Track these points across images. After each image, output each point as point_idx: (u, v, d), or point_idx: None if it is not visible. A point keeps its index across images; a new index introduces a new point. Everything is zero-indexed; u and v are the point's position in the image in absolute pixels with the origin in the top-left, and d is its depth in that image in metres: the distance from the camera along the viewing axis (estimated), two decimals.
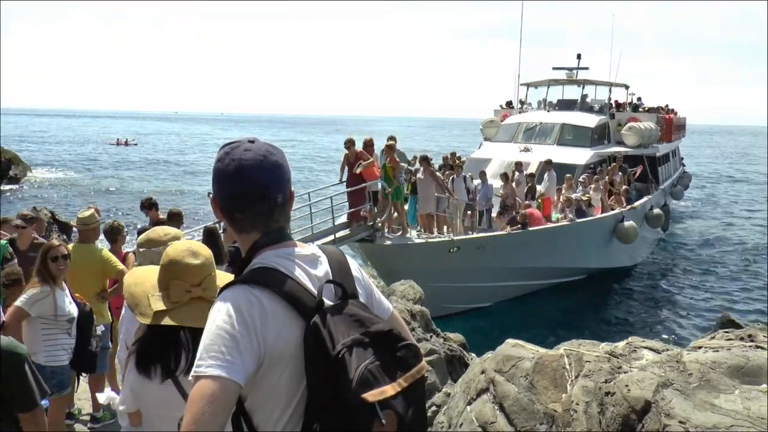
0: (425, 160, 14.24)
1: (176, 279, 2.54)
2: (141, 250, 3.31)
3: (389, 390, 1.57)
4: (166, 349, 2.57)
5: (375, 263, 14.22)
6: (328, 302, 1.72)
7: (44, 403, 3.16)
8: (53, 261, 4.95)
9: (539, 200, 16.64)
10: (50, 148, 76.28)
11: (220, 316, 1.61)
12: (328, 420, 1.59)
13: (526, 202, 16.01)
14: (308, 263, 1.79)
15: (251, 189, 1.76)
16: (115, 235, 6.90)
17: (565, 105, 23.38)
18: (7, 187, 39.21)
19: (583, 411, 3.87)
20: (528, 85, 25.71)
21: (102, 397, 2.78)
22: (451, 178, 15.83)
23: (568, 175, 17.47)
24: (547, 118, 21.52)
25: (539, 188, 16.79)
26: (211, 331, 1.60)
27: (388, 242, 13.95)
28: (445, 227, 14.91)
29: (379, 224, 13.98)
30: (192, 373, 1.56)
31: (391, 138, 13.93)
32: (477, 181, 16.05)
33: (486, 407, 4.26)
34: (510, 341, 4.87)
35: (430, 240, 14.21)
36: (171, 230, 3.49)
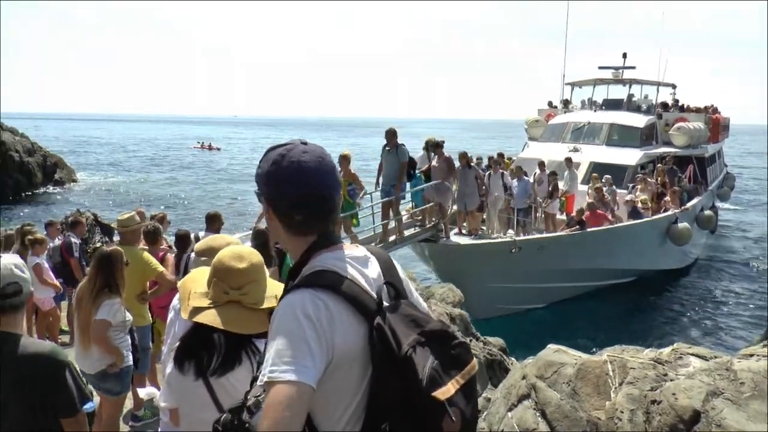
0: (438, 146, 13.78)
1: (218, 279, 2.56)
2: (203, 258, 3.34)
3: (451, 388, 1.61)
4: (200, 348, 2.61)
5: (437, 263, 14.29)
6: (384, 303, 1.73)
7: (90, 406, 3.19)
8: (122, 269, 5.14)
9: (562, 198, 16.46)
10: (99, 152, 77.88)
11: (288, 321, 1.62)
12: (397, 419, 1.60)
13: (548, 199, 15.86)
14: (361, 264, 1.79)
15: (314, 190, 1.77)
16: (154, 237, 6.98)
17: (612, 104, 22.93)
18: (53, 189, 40.22)
19: (627, 419, 3.76)
20: (573, 84, 25.35)
21: (143, 393, 2.82)
22: (488, 173, 15.68)
23: (607, 176, 17.25)
24: (595, 117, 21.21)
25: (561, 186, 16.55)
26: (280, 335, 1.60)
27: (452, 242, 13.95)
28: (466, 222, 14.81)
29: (443, 225, 13.95)
30: (265, 378, 1.56)
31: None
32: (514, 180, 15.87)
33: (527, 413, 4.18)
34: (552, 346, 4.77)
35: (493, 240, 14.17)
36: (232, 238, 3.53)
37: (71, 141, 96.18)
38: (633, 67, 23.68)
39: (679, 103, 25.10)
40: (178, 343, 2.71)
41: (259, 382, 1.60)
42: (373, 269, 1.81)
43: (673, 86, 25.64)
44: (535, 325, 14.63)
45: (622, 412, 3.82)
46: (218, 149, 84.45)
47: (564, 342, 5.17)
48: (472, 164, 14.61)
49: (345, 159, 11.97)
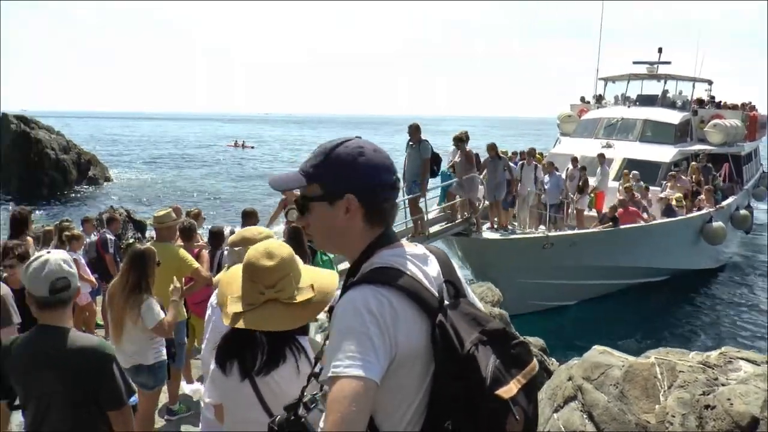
0: (460, 140, 13.55)
1: (251, 280, 2.52)
2: (236, 249, 3.34)
3: (513, 387, 1.61)
4: (242, 348, 2.58)
5: (469, 258, 14.21)
6: (445, 301, 1.72)
7: (134, 400, 3.23)
8: (154, 268, 5.21)
9: (592, 194, 16.24)
10: (132, 149, 78.90)
11: (351, 317, 1.59)
12: (459, 417, 1.59)
13: (578, 194, 15.65)
14: (422, 262, 1.76)
15: (391, 182, 1.79)
16: (189, 233, 7.01)
17: (646, 100, 22.52)
18: (87, 186, 40.84)
19: (679, 424, 3.67)
20: (606, 79, 24.95)
21: (188, 388, 2.83)
22: (520, 164, 15.51)
23: (635, 171, 17.05)
24: (628, 113, 20.88)
25: (592, 182, 16.33)
26: (343, 331, 1.58)
27: (484, 237, 13.87)
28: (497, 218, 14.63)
29: (475, 219, 13.87)
30: (329, 374, 1.54)
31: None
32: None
33: (574, 415, 4.11)
34: (597, 348, 4.70)
35: (525, 235, 14.07)
36: (264, 230, 3.53)
37: (102, 139, 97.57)
38: (668, 62, 23.28)
39: (716, 100, 24.62)
40: (218, 344, 2.69)
41: (321, 378, 1.61)
42: (433, 267, 1.79)
43: (710, 82, 25.15)
44: (569, 324, 14.51)
45: (673, 416, 3.73)
46: (252, 147, 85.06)
47: (600, 342, 5.08)
48: (501, 156, 14.41)
49: None
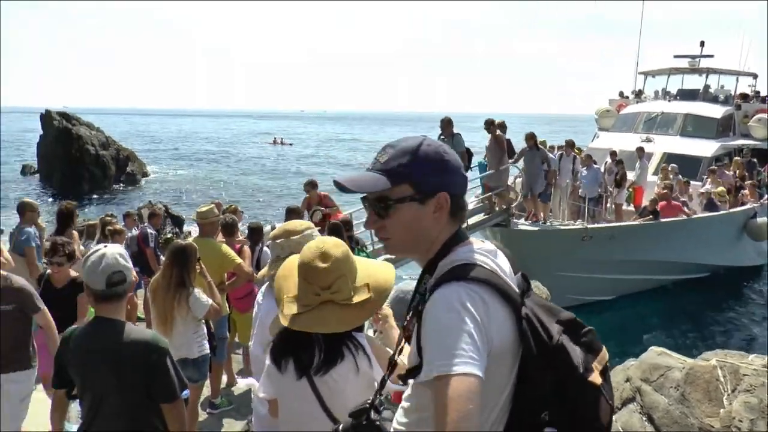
0: (491, 124, 13.28)
1: (306, 281, 2.47)
2: (278, 241, 3.32)
3: (597, 374, 1.63)
4: (298, 346, 2.55)
5: (507, 248, 13.98)
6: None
7: (186, 393, 3.25)
8: (195, 263, 5.30)
9: (630, 189, 15.93)
10: (176, 147, 79.97)
11: (448, 314, 1.55)
12: (555, 407, 1.59)
13: (617, 189, 15.34)
14: (494, 256, 1.75)
15: (466, 180, 1.82)
16: (231, 229, 7.04)
17: (687, 95, 22.01)
18: (126, 182, 41.52)
19: (747, 429, 3.55)
20: (646, 73, 24.51)
21: (243, 382, 2.82)
22: (559, 154, 15.22)
23: (674, 165, 16.74)
24: (669, 107, 20.48)
25: (630, 176, 16.00)
26: (442, 330, 1.54)
27: (521, 228, 13.70)
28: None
29: (514, 210, 13.73)
30: (434, 373, 1.50)
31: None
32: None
33: (633, 417, 4.02)
34: (655, 349, 4.60)
35: (563, 227, 13.86)
36: (306, 222, 3.53)
37: (139, 135, 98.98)
38: (711, 56, 22.79)
39: (761, 95, 24.00)
40: (272, 341, 2.67)
41: (423, 378, 1.55)
42: (504, 261, 1.77)
43: (755, 76, 24.44)
44: (608, 320, 14.23)
45: (740, 420, 3.61)
46: (290, 144, 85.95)
47: (643, 340, 4.97)
48: (540, 146, 14.06)
49: (310, 185, 11.64)
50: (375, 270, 2.57)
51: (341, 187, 1.75)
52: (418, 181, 1.71)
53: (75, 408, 3.54)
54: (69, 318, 5.27)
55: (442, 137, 12.28)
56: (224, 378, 6.99)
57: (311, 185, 11.21)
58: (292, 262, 2.66)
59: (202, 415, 6.28)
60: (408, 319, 1.80)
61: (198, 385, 5.45)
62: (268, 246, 7.44)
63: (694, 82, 23.24)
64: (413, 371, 1.68)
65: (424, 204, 1.72)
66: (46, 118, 40.82)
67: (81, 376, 3.16)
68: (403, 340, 1.88)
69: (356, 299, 2.43)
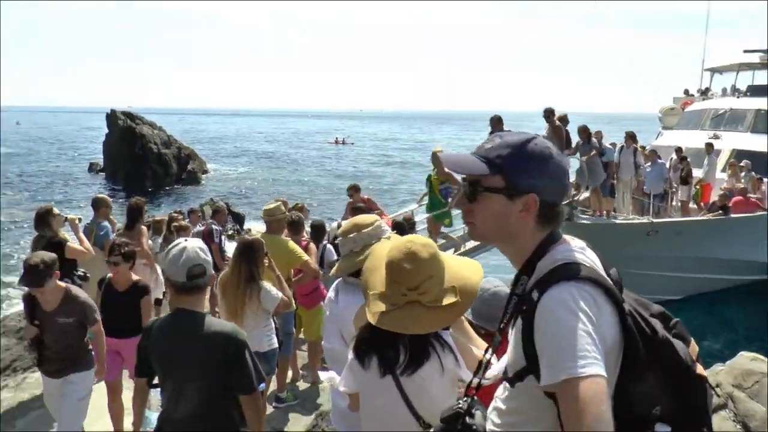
0: (551, 113, 12.92)
1: (393, 280, 2.45)
2: (350, 236, 3.34)
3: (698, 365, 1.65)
4: (383, 344, 2.51)
5: None
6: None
7: (262, 386, 3.32)
8: (263, 258, 5.35)
9: (697, 186, 15.44)
10: (224, 146, 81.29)
11: (566, 316, 1.55)
12: (667, 401, 1.61)
13: (683, 186, 14.84)
14: (587, 253, 1.75)
15: (568, 184, 1.82)
16: (297, 226, 7.13)
17: (758, 90, 20.87)
18: (187, 180, 42.38)
19: None
20: (713, 70, 23.65)
21: (324, 376, 2.83)
22: (619, 147, 14.69)
23: (746, 161, 15.99)
24: (738, 104, 19.69)
25: (697, 173, 15.50)
26: (562, 331, 1.54)
27: (585, 222, 13.32)
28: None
29: (577, 203, 13.41)
30: (561, 376, 1.50)
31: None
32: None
33: (726, 424, 3.89)
34: (746, 354, 4.45)
35: (628, 221, 13.44)
36: (375, 217, 3.53)
37: (199, 135, 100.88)
38: None
39: None
40: (356, 335, 2.67)
41: (546, 381, 1.54)
42: (594, 257, 1.76)
43: None
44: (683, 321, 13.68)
45: None
46: (352, 143, 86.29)
47: (716, 344, 4.83)
48: (592, 138, 13.68)
49: (437, 157, 11.50)
50: (463, 271, 2.54)
51: (441, 163, 1.85)
52: (511, 177, 1.71)
53: (156, 396, 3.66)
54: (131, 321, 5.40)
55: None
56: (289, 373, 7.12)
57: (354, 189, 11.23)
58: (379, 255, 2.65)
59: (269, 409, 6.38)
60: (505, 320, 1.78)
61: (266, 379, 5.54)
62: (332, 243, 7.54)
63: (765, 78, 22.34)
64: (521, 373, 1.68)
65: (512, 200, 1.71)
66: (112, 117, 42.03)
67: (162, 366, 3.26)
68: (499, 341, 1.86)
69: (444, 302, 2.41)
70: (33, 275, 4.59)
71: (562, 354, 1.51)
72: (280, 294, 5.23)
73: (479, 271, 2.58)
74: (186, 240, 3.31)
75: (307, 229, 8.07)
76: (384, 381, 2.51)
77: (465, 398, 1.86)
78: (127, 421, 5.41)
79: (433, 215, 11.59)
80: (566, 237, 1.78)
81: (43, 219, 6.58)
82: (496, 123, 12.19)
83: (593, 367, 1.48)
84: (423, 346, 2.50)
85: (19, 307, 11.89)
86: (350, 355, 2.64)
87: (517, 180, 1.71)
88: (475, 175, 1.75)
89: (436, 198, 11.58)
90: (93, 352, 5.18)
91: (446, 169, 11.42)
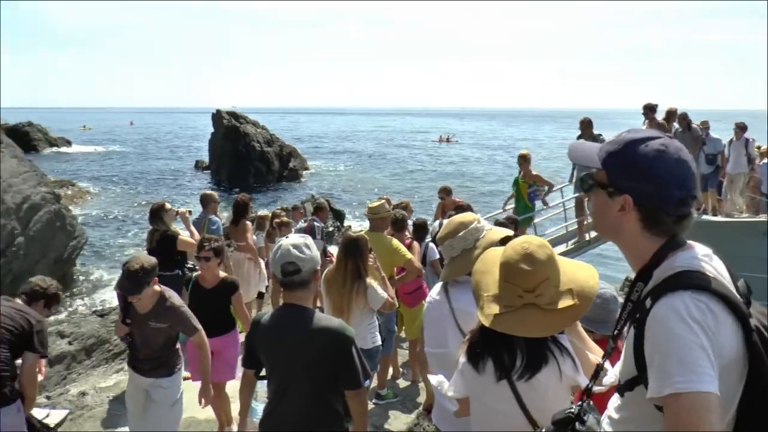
0: (650, 110, 12.20)
1: (508, 282, 2.40)
2: (446, 243, 3.30)
3: None
4: (498, 347, 2.45)
5: None
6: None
7: (368, 382, 3.31)
8: (367, 254, 5.29)
9: None
10: (325, 144, 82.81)
11: (678, 327, 1.48)
12: None
13: None
14: (713, 262, 1.64)
15: (691, 192, 1.66)
16: (401, 225, 7.12)
17: None
18: (289, 177, 43.43)
19: None
20: None
21: (434, 380, 2.78)
22: (729, 140, 13.41)
23: None
24: None
25: None
26: (672, 343, 1.47)
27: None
28: None
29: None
30: (666, 390, 1.45)
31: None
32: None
33: None
34: None
35: (741, 219, 12.61)
36: (477, 215, 3.49)
37: (300, 133, 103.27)
38: None
39: None
40: (469, 338, 2.61)
41: (653, 394, 1.48)
42: (721, 266, 1.66)
43: None
44: None
45: None
46: (456, 141, 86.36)
47: None
48: (692, 126, 12.75)
49: (524, 159, 11.33)
50: (578, 273, 2.48)
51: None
52: (612, 174, 1.69)
53: (262, 388, 3.70)
54: (220, 319, 5.48)
55: (581, 139, 11.35)
56: (390, 370, 7.12)
57: (446, 192, 11.09)
58: (490, 257, 2.61)
59: (369, 405, 6.40)
60: (619, 327, 1.74)
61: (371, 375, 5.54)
62: (434, 242, 7.48)
63: None
64: (631, 383, 1.63)
65: (612, 198, 1.69)
66: (217, 117, 43.54)
67: (269, 359, 3.29)
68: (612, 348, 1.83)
69: (561, 305, 2.35)
70: (131, 282, 4.47)
71: (670, 367, 1.45)
72: (385, 294, 5.19)
73: (595, 274, 2.51)
74: (287, 237, 3.33)
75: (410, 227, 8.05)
76: (499, 386, 2.45)
77: (578, 403, 1.82)
78: (234, 409, 5.52)
79: (519, 219, 11.38)
80: (692, 243, 1.69)
81: (157, 214, 6.91)
82: (586, 126, 11.68)
83: (704, 383, 1.41)
84: (541, 350, 2.44)
85: None
86: (461, 359, 2.58)
87: (616, 178, 1.69)
88: (590, 167, 1.76)
89: (523, 201, 11.36)
90: (185, 358, 5.18)
91: (534, 173, 11.27)
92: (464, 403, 2.68)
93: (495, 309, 2.39)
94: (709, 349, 1.44)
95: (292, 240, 3.26)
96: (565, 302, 2.35)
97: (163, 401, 4.83)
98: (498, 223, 7.25)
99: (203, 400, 4.99)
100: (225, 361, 5.60)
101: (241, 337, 5.55)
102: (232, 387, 5.36)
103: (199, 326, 4.80)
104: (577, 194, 11.79)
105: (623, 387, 1.68)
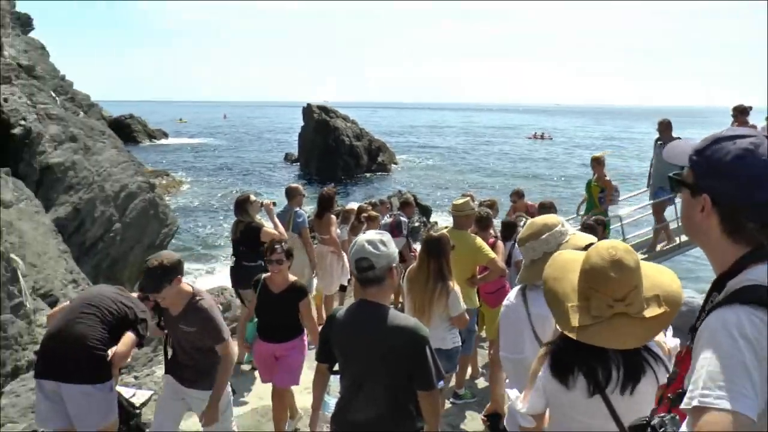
0: (742, 113, 11.42)
1: (596, 290, 2.25)
2: (527, 244, 3.22)
3: None
4: (589, 360, 2.31)
5: None
6: None
7: (441, 384, 3.24)
8: (449, 254, 5.20)
9: None
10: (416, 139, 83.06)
11: (724, 340, 1.40)
12: None
13: None
14: None
15: None
16: (485, 223, 6.99)
17: None
18: (377, 171, 43.79)
19: None
20: None
21: (512, 394, 2.65)
22: None
23: None
24: None
25: None
26: (714, 356, 1.40)
27: None
28: None
29: None
30: (694, 402, 1.39)
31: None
32: None
33: None
34: None
35: None
36: (553, 217, 3.38)
37: (391, 128, 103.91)
38: None
39: None
40: (551, 349, 2.46)
41: (682, 405, 1.43)
42: None
43: None
44: None
45: None
46: (550, 138, 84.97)
47: None
48: None
49: (597, 162, 10.84)
50: (660, 278, 2.34)
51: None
52: (697, 172, 1.62)
53: (335, 382, 3.69)
54: (287, 324, 5.29)
55: (659, 142, 10.99)
56: (469, 370, 7.02)
57: (518, 195, 10.81)
58: (561, 261, 2.48)
59: (446, 404, 6.33)
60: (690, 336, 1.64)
61: (447, 376, 5.47)
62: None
63: None
64: (683, 395, 1.53)
65: (695, 198, 1.62)
66: (307, 111, 44.34)
67: (343, 354, 3.27)
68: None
69: (649, 313, 2.21)
70: (150, 279, 4.20)
71: (704, 380, 1.39)
72: (465, 307, 5.10)
73: (676, 277, 2.37)
74: (365, 233, 3.29)
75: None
76: (590, 401, 2.30)
77: (660, 414, 1.72)
78: (307, 401, 5.50)
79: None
80: None
81: (242, 206, 7.03)
82: (665, 128, 11.03)
83: (728, 401, 1.33)
84: (638, 361, 2.29)
85: (220, 281, 12.92)
86: (542, 373, 2.44)
87: (698, 177, 1.61)
88: (679, 165, 1.69)
89: (595, 206, 10.88)
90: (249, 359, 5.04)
91: (607, 177, 10.79)
92: (541, 420, 2.54)
93: (582, 320, 2.26)
94: (755, 369, 1.36)
95: (367, 236, 3.21)
96: (653, 310, 2.22)
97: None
98: (585, 226, 7.02)
99: (204, 420, 4.43)
100: (288, 368, 5.35)
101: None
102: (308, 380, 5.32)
103: (227, 335, 4.41)
104: (652, 201, 11.30)
105: (678, 398, 1.60)
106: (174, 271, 4.24)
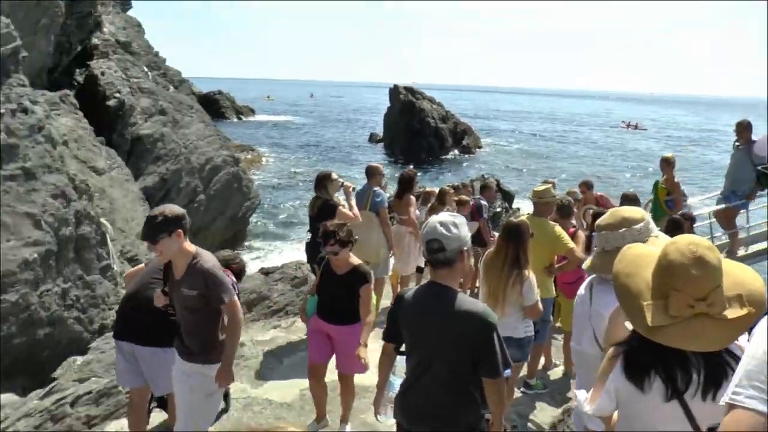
0: None
1: (676, 289, 2.10)
2: (603, 232, 3.10)
3: None
4: (668, 362, 2.16)
5: None
6: None
7: (508, 372, 3.17)
8: (528, 241, 5.12)
9: None
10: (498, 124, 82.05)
11: (765, 342, 1.39)
12: None
13: None
14: None
15: None
16: (566, 211, 6.83)
17: None
18: (460, 154, 43.56)
19: None
20: None
21: (581, 396, 2.53)
22: None
23: None
24: None
25: None
26: (756, 354, 1.37)
27: None
28: None
29: None
30: (727, 398, 1.40)
31: None
32: None
33: None
34: None
35: None
36: (644, 211, 3.21)
37: (481, 111, 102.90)
38: None
39: None
40: (624, 350, 2.31)
41: (721, 399, 1.46)
42: None
43: None
44: None
45: None
46: (644, 129, 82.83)
47: None
48: None
49: (667, 163, 10.12)
50: (743, 276, 2.17)
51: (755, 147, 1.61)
52: None
53: (401, 363, 3.66)
54: (346, 307, 5.06)
55: (737, 144, 10.19)
56: (542, 360, 6.91)
57: (586, 186, 10.41)
58: (632, 256, 2.34)
59: (516, 393, 6.26)
60: None
61: (518, 365, 5.38)
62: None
63: None
64: None
65: None
66: (394, 92, 44.37)
67: (410, 336, 3.25)
68: None
69: (731, 314, 2.06)
70: (148, 227, 3.88)
71: (740, 378, 1.41)
72: (538, 297, 5.02)
73: (757, 275, 2.19)
74: (438, 214, 3.24)
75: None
76: (667, 405, 2.17)
77: None
78: (373, 381, 5.42)
79: None
80: None
81: (322, 182, 7.07)
82: (743, 130, 10.14)
83: (759, 402, 1.33)
84: (720, 364, 2.13)
85: (298, 256, 13.15)
86: (614, 375, 2.30)
87: None
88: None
89: (660, 208, 10.13)
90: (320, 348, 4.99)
91: (675, 180, 10.12)
92: (609, 422, 2.43)
93: (659, 320, 2.12)
94: None
95: (440, 217, 3.15)
96: (736, 311, 2.06)
97: (199, 390, 4.11)
98: (671, 221, 6.74)
99: (219, 382, 4.10)
100: (352, 353, 4.99)
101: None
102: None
103: (233, 297, 4.08)
104: (722, 206, 10.48)
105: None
106: (174, 223, 3.89)
